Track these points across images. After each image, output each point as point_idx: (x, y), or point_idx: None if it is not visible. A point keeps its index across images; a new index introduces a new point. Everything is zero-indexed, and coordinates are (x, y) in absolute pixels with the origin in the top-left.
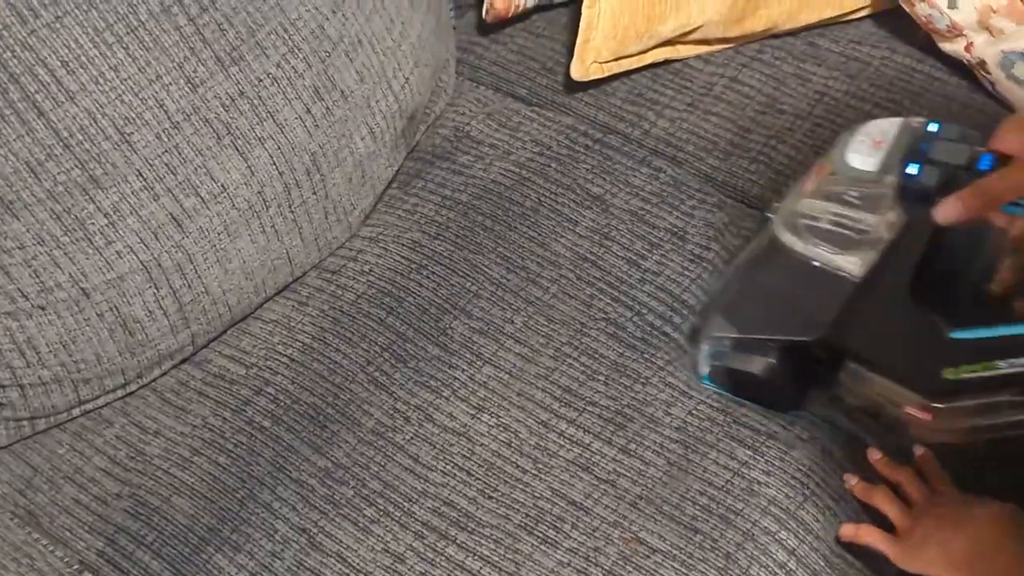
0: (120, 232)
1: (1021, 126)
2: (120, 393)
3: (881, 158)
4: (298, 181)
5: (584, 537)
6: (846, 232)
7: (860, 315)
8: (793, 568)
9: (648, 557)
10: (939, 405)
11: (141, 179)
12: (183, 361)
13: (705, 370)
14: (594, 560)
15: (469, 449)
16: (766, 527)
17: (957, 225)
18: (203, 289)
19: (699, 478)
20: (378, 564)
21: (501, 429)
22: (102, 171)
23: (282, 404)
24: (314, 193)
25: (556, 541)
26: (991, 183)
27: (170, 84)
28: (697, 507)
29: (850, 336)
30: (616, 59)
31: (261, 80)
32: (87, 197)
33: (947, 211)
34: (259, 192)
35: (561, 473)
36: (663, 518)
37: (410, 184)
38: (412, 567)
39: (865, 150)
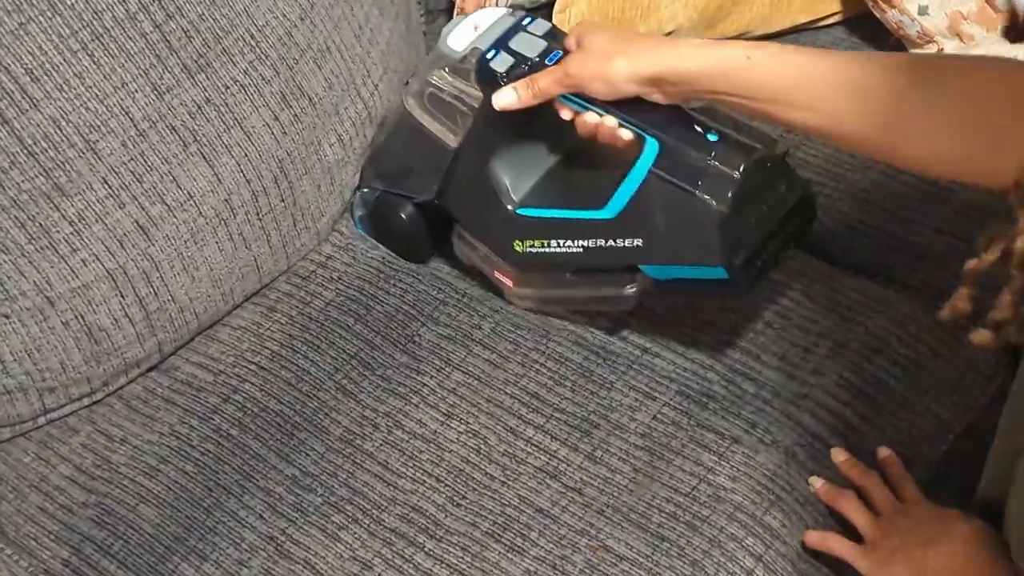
0: (85, 240)
1: (583, 27)
2: (86, 401)
3: (470, 41)
4: (266, 188)
5: (551, 545)
6: (451, 103)
7: (456, 182)
8: (760, 574)
9: (615, 565)
10: (514, 273)
11: (106, 187)
12: (150, 369)
13: (358, 215)
14: (561, 568)
15: (438, 456)
16: (733, 533)
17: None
18: (170, 297)
19: (665, 485)
20: (346, 571)
21: (470, 436)
22: (67, 179)
23: (250, 412)
24: (282, 200)
25: (523, 549)
26: (539, 75)
27: (136, 91)
28: (663, 514)
29: (451, 201)
30: None
31: (228, 87)
32: (52, 205)
33: (501, 98)
34: (226, 200)
35: (529, 480)
36: (630, 525)
37: None
38: (380, 574)
39: (463, 33)
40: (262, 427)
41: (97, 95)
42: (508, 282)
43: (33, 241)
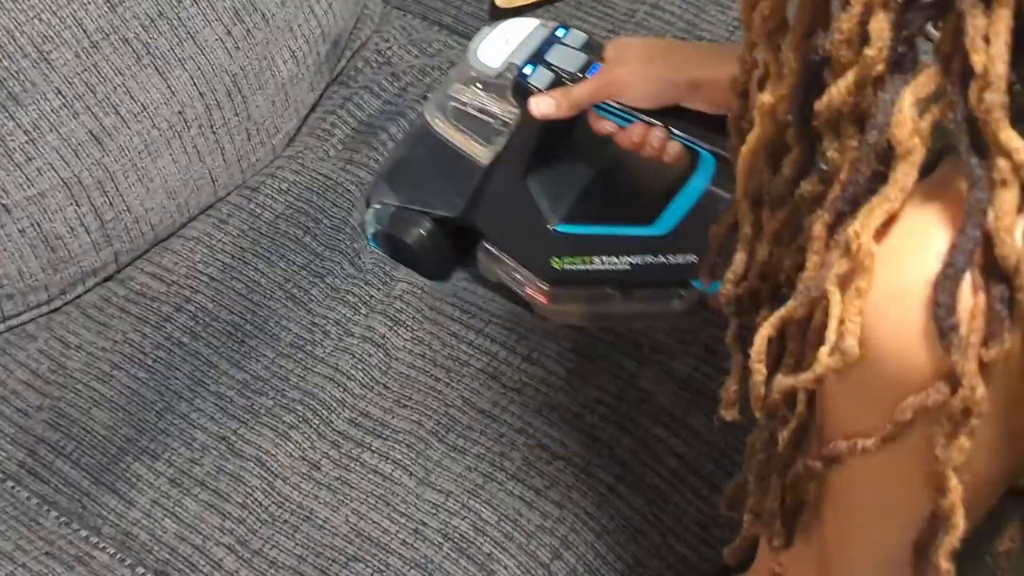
0: (40, 149)
1: (619, 39)
2: (44, 309)
3: (505, 56)
4: (219, 102)
5: (491, 443)
6: (483, 119)
7: (486, 199)
8: (684, 475)
9: (550, 463)
10: (550, 290)
11: (60, 97)
12: (107, 279)
13: (371, 232)
14: (500, 465)
15: (386, 362)
16: (658, 435)
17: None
18: (125, 207)
19: (596, 386)
20: (296, 470)
21: (416, 342)
22: (21, 88)
23: (201, 321)
24: (236, 114)
25: (465, 448)
26: (575, 86)
27: (88, 3)
28: (595, 415)
29: (479, 218)
30: None
31: (181, 1)
32: (6, 114)
33: (538, 106)
34: (179, 112)
35: (472, 382)
36: (565, 425)
37: (332, 110)
38: (327, 473)
39: (494, 47)
40: (213, 335)
41: (50, 6)
42: (542, 299)
43: None
